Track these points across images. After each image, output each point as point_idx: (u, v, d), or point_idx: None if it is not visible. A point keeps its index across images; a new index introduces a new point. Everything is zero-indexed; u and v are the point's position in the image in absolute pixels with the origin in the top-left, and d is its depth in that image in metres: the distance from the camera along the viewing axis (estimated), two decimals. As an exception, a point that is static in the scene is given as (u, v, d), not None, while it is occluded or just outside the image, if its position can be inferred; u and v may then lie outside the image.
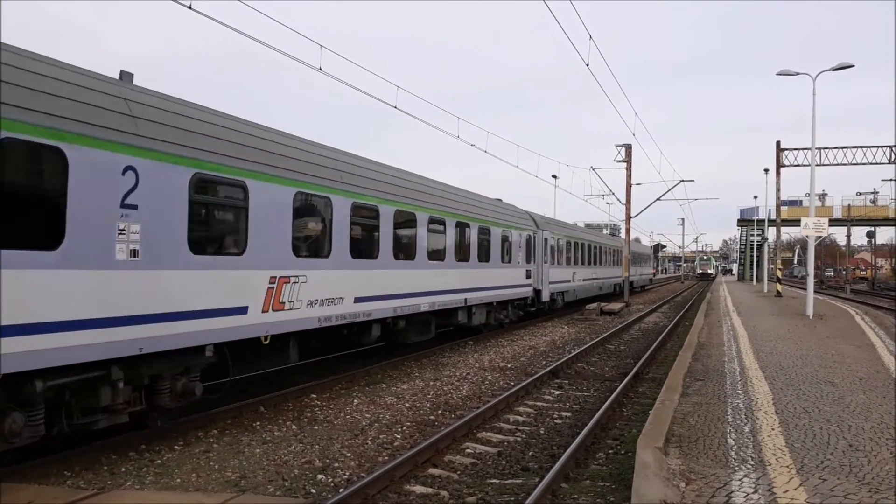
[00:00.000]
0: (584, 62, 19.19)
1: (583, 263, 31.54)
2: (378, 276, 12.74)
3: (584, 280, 31.69)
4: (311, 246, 10.94)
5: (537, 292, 23.57)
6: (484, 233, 18.37)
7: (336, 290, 11.28)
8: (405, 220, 14.00)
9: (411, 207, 14.13)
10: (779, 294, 38.57)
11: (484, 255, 18.34)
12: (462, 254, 16.95)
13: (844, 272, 67.89)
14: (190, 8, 10.20)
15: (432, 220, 15.18)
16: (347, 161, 12.43)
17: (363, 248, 12.33)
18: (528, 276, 22.53)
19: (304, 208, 10.67)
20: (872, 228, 71.85)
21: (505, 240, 20.09)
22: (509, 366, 14.86)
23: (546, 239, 24.72)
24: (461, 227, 16.86)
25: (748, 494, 5.67)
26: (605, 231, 65.15)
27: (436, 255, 15.42)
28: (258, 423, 9.51)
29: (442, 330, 17.23)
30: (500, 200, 22.09)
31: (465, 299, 17.07)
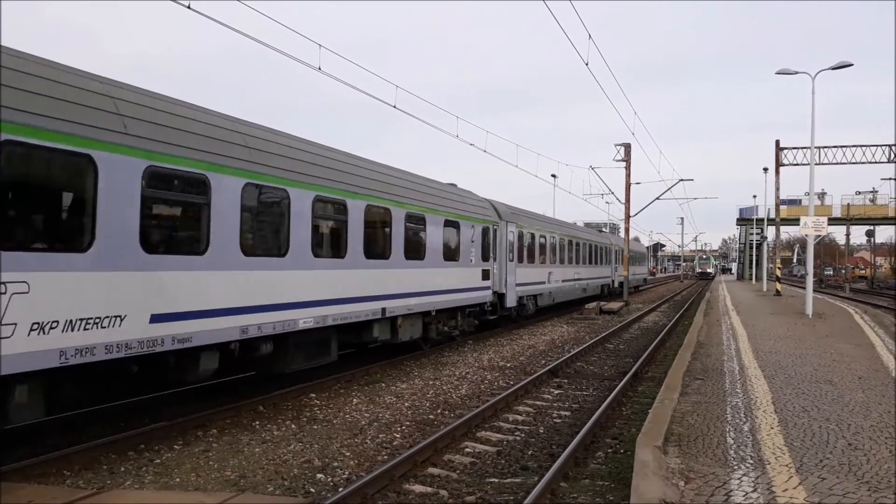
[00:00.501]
0: (584, 62, 19.22)
1: (562, 262, 27.93)
2: (204, 280, 8.72)
3: (563, 281, 27.86)
4: (43, 233, 7.10)
5: (500, 296, 19.90)
6: (415, 221, 14.47)
7: (105, 305, 7.32)
8: (269, 201, 10.20)
9: (281, 182, 10.16)
10: (778, 293, 38.61)
11: (415, 251, 14.50)
12: (377, 248, 13.01)
13: (844, 271, 67.97)
14: (189, 8, 10.21)
15: (322, 202, 11.21)
16: (136, 101, 8.12)
17: (175, 238, 8.68)
18: (486, 278, 18.57)
19: (26, 170, 6.82)
20: (871, 227, 71.90)
21: (450, 232, 16.29)
22: (508, 365, 14.87)
23: (512, 232, 20.97)
24: (376, 212, 12.92)
25: (747, 493, 5.67)
26: (605, 230, 64.97)
27: (329, 249, 11.67)
28: (257, 422, 9.51)
29: (372, 345, 14.26)
30: (454, 185, 18.89)
31: (384, 309, 13.12)
